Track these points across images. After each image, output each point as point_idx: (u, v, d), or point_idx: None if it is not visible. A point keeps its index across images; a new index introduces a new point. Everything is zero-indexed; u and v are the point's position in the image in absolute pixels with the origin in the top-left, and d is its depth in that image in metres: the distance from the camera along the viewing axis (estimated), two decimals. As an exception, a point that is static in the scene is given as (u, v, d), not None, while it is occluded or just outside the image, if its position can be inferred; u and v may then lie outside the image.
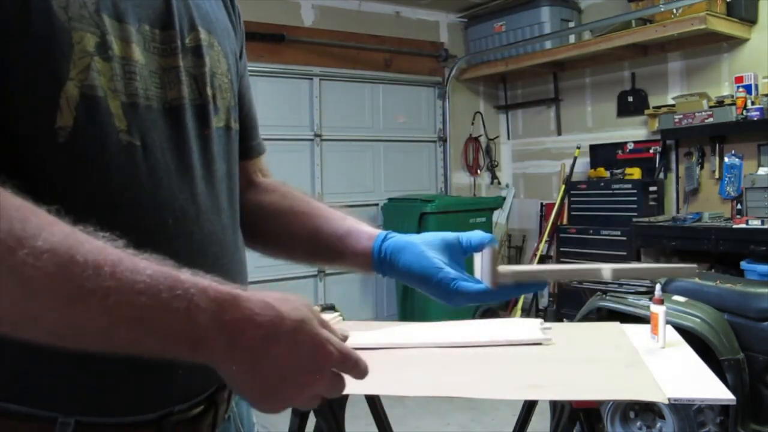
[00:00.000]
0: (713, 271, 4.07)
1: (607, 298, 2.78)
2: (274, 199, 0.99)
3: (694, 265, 0.95)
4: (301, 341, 0.58)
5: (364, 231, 0.93)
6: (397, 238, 0.91)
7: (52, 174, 0.59)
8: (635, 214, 4.75)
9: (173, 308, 0.51)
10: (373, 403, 2.12)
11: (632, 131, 5.29)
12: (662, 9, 4.41)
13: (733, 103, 4.27)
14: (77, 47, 0.60)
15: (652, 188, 4.90)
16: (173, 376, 0.67)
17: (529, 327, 1.99)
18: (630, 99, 5.28)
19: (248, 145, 0.96)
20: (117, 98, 0.63)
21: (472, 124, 6.40)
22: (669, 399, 1.42)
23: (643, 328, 1.98)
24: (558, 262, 5.45)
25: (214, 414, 0.74)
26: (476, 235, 0.89)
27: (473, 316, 5.13)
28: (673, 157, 4.99)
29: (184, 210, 0.70)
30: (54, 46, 0.58)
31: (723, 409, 2.43)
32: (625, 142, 5.27)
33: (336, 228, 0.94)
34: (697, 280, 2.76)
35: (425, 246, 0.88)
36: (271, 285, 5.29)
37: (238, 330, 0.54)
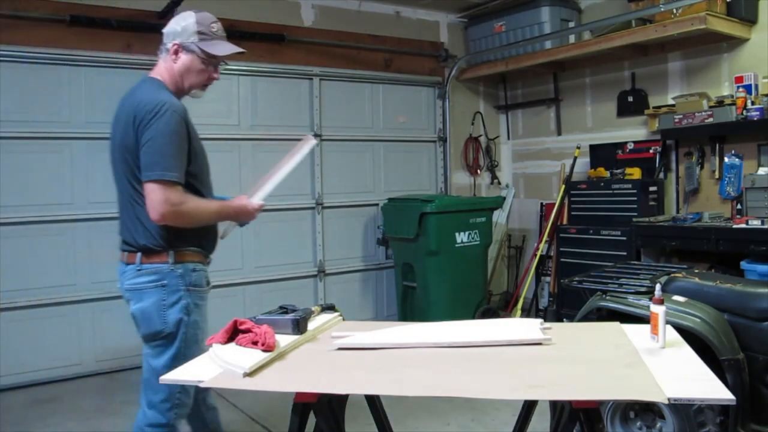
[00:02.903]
0: (713, 271, 4.07)
1: (607, 298, 2.77)
2: None
3: None
4: (244, 215, 2.41)
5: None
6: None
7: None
8: (635, 214, 4.75)
9: (227, 211, 2.36)
10: (373, 403, 2.12)
11: (632, 131, 5.29)
12: (662, 9, 4.41)
13: (733, 103, 4.27)
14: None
15: (652, 188, 4.90)
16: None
17: (529, 327, 1.99)
18: (630, 99, 5.28)
19: None
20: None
21: (472, 124, 6.40)
22: (669, 399, 1.42)
23: (643, 328, 1.98)
24: (558, 262, 5.46)
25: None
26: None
27: (473, 316, 5.13)
28: (673, 157, 4.99)
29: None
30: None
31: (723, 409, 2.43)
32: (625, 142, 5.27)
33: None
34: (697, 280, 2.75)
35: None
36: (272, 285, 5.30)
37: (235, 210, 2.37)
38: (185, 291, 2.29)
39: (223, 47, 2.31)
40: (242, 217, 2.37)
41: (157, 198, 2.08)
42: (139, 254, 2.22)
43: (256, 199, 2.37)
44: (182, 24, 2.29)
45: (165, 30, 2.32)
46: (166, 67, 2.30)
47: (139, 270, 2.22)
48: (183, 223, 2.18)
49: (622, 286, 2.81)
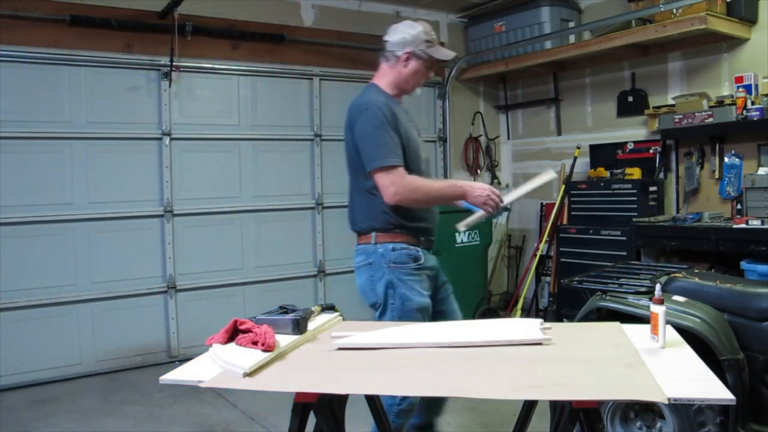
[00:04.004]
0: (713, 271, 4.07)
1: (607, 298, 2.77)
2: None
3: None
4: (478, 191, 2.52)
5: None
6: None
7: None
8: (635, 214, 4.75)
9: (458, 185, 2.60)
10: (373, 403, 2.12)
11: (632, 131, 5.29)
12: (662, 9, 4.41)
13: (733, 103, 4.27)
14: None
15: (652, 188, 4.90)
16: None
17: (529, 327, 1.99)
18: (630, 99, 5.28)
19: None
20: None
21: (472, 124, 6.40)
22: (669, 399, 1.42)
23: (643, 328, 1.98)
24: (558, 262, 5.45)
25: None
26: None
27: (473, 316, 5.13)
28: (673, 157, 4.99)
29: None
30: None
31: (723, 409, 2.42)
32: (625, 142, 5.27)
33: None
34: (697, 280, 2.75)
35: None
36: (273, 284, 5.30)
37: (465, 189, 2.53)
38: (387, 268, 2.53)
39: (444, 52, 2.64)
40: (473, 197, 2.51)
41: (384, 183, 2.43)
42: (357, 237, 2.63)
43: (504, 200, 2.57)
44: (412, 33, 2.59)
45: (391, 39, 2.62)
46: (391, 71, 2.62)
47: (356, 251, 2.62)
48: (416, 198, 2.49)
49: (622, 286, 2.81)
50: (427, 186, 2.51)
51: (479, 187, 2.51)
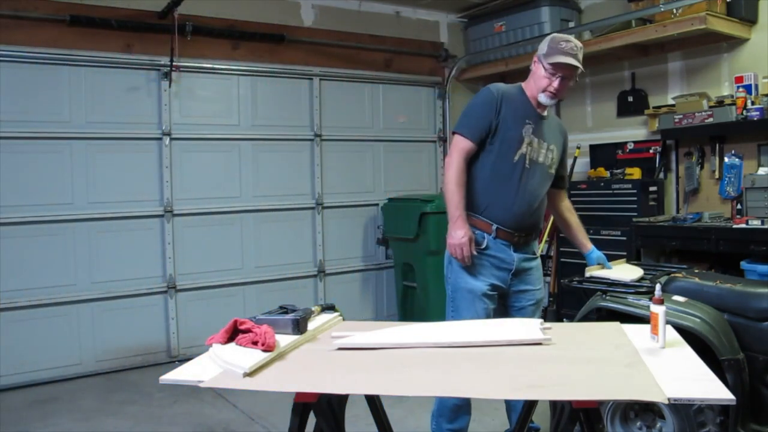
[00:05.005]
0: (713, 271, 4.07)
1: (607, 298, 2.77)
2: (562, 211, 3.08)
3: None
4: (453, 239, 2.64)
5: (583, 244, 3.06)
6: (595, 254, 3.03)
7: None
8: (635, 214, 4.74)
9: (450, 218, 2.65)
10: (373, 403, 2.12)
11: (632, 131, 5.29)
12: (662, 9, 4.40)
13: (733, 103, 4.27)
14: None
15: (652, 188, 4.89)
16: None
17: (529, 327, 1.99)
18: (630, 99, 5.28)
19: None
20: None
21: (472, 124, 6.39)
22: (669, 399, 1.42)
23: (643, 328, 1.98)
24: (558, 262, 5.45)
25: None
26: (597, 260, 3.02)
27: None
28: (673, 157, 4.99)
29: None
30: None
31: (723, 409, 2.42)
32: (625, 142, 5.27)
33: (574, 236, 3.08)
34: (697, 280, 2.75)
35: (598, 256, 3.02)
36: (273, 284, 5.30)
37: (451, 225, 2.66)
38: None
39: (556, 57, 2.62)
40: (449, 238, 2.68)
41: (451, 143, 2.76)
42: None
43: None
44: (542, 43, 2.73)
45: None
46: (530, 73, 2.77)
47: None
48: (446, 171, 2.72)
49: (622, 286, 2.80)
50: (451, 183, 2.66)
51: (457, 237, 2.63)
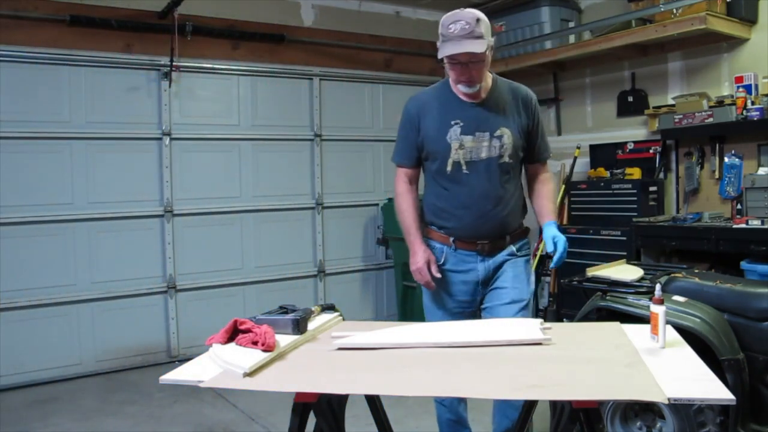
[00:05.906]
0: (713, 271, 4.07)
1: (607, 298, 2.77)
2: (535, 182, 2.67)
3: None
4: (413, 264, 2.55)
5: (540, 214, 2.59)
6: (547, 229, 2.50)
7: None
8: (635, 214, 4.74)
9: (409, 244, 2.60)
10: (373, 403, 2.12)
11: (632, 131, 5.29)
12: (662, 9, 4.40)
13: (733, 103, 4.26)
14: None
15: (652, 188, 4.89)
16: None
17: (529, 327, 1.99)
18: (630, 99, 5.28)
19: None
20: None
21: (472, 124, 6.39)
22: (669, 399, 1.42)
23: (643, 328, 1.98)
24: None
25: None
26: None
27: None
28: (673, 157, 4.99)
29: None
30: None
31: (723, 409, 2.42)
32: (625, 142, 5.26)
33: (535, 204, 2.64)
34: (697, 280, 2.75)
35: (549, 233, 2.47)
36: (273, 284, 5.30)
37: (411, 250, 2.58)
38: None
39: (444, 50, 2.36)
40: (411, 262, 2.59)
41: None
42: None
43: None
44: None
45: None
46: None
47: None
48: (394, 199, 2.73)
49: (622, 286, 2.80)
50: (399, 211, 2.64)
51: (414, 263, 2.53)
